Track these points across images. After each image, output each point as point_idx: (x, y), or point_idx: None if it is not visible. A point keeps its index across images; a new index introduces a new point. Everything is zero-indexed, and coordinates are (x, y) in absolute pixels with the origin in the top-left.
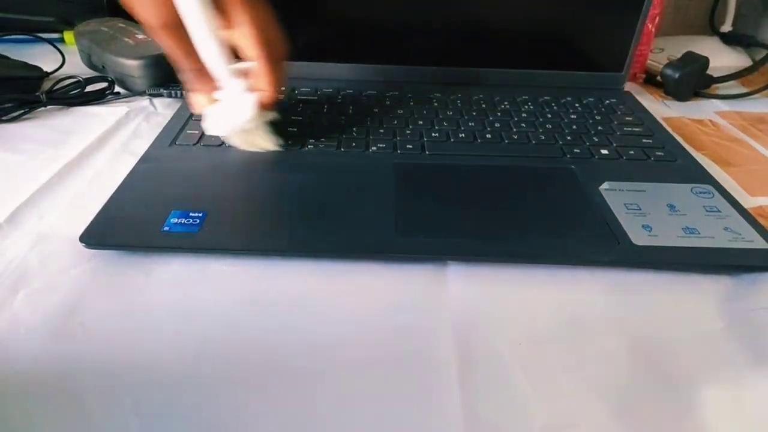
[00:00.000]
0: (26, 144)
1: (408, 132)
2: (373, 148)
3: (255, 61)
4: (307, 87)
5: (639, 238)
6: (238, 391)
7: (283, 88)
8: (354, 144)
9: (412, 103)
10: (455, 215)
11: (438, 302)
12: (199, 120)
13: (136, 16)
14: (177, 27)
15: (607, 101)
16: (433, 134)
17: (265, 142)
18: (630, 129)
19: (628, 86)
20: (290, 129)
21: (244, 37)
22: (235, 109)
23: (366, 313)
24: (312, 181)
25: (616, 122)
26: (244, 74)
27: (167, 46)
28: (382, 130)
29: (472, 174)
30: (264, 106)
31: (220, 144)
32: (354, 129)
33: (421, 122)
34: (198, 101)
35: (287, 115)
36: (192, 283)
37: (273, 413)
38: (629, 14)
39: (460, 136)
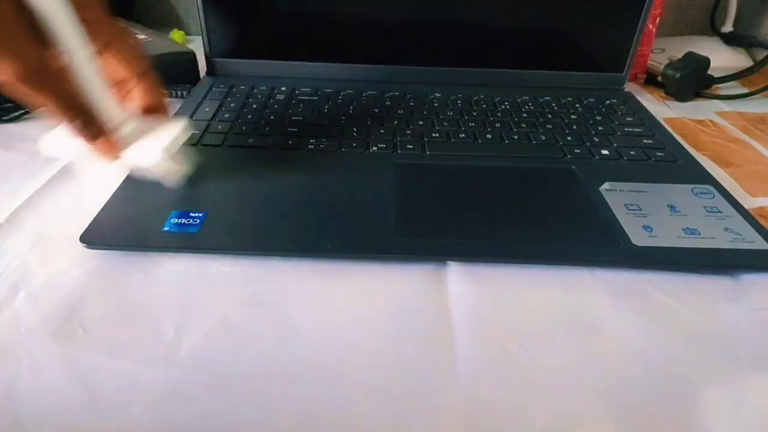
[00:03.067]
0: (26, 144)
1: (408, 132)
2: (373, 148)
3: (130, 78)
4: (307, 87)
5: (639, 238)
6: (237, 391)
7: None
8: (354, 144)
9: (412, 103)
10: (455, 215)
11: (438, 303)
12: (207, 119)
13: None
14: (45, 74)
15: (608, 101)
16: (433, 134)
17: (181, 164)
18: (630, 129)
19: (629, 86)
20: (290, 129)
21: (115, 57)
22: (149, 136)
23: (366, 313)
24: (312, 181)
25: (616, 123)
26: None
27: (39, 100)
28: (382, 130)
29: (473, 174)
30: (160, 116)
31: (220, 144)
32: (354, 129)
33: (421, 122)
34: (104, 147)
35: (249, 126)
36: (192, 284)
37: (272, 413)
38: (630, 14)
39: (461, 136)
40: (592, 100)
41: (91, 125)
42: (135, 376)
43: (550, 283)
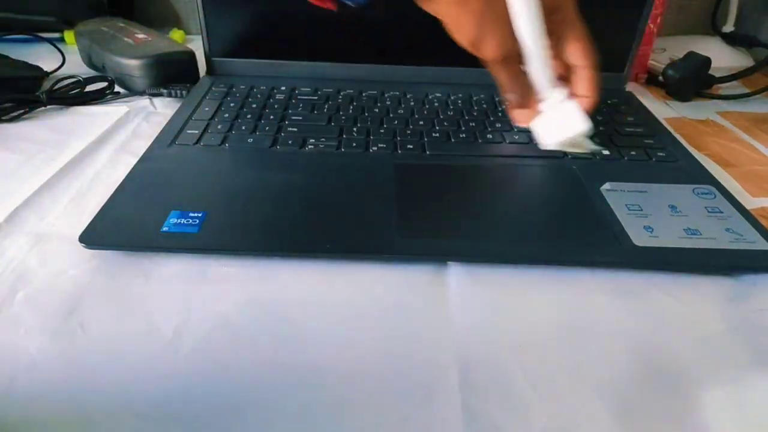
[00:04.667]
0: (26, 144)
1: (408, 132)
2: (374, 148)
3: (580, 69)
4: (307, 87)
5: (640, 239)
6: (237, 392)
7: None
8: (354, 144)
9: (412, 103)
10: (456, 216)
11: (438, 303)
12: (201, 122)
13: (479, 51)
14: (514, 58)
15: (609, 101)
16: (433, 134)
17: (587, 144)
18: (631, 129)
19: (630, 86)
20: (290, 129)
21: (573, 47)
22: (564, 117)
23: (366, 314)
24: (312, 181)
25: (617, 123)
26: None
27: (502, 75)
28: (382, 130)
29: (473, 174)
30: (586, 111)
31: (220, 144)
32: (354, 129)
33: (421, 122)
34: (522, 115)
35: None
36: (191, 284)
37: (272, 414)
38: (630, 14)
39: (461, 136)
40: None
41: (527, 94)
42: (134, 377)
43: (550, 283)
